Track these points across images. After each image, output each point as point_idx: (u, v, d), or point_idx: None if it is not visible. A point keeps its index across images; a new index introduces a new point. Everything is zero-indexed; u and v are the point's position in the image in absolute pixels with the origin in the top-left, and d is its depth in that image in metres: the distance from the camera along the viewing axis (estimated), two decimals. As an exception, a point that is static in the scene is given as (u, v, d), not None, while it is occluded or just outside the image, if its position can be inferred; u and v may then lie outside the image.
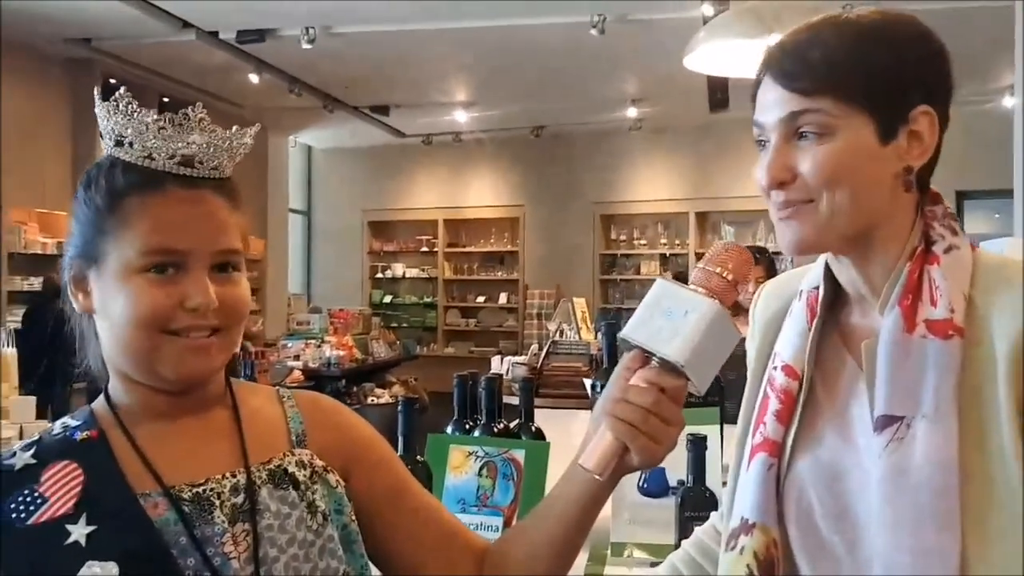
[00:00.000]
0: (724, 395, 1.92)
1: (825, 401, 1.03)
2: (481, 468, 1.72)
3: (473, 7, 6.78)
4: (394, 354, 9.11)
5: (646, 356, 0.96)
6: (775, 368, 1.06)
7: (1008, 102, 8.41)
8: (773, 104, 0.98)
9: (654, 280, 1.00)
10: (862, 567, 0.96)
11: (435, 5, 6.71)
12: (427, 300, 12.41)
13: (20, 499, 0.94)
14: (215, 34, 7.37)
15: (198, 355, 0.97)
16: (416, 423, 1.65)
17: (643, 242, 11.60)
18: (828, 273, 1.06)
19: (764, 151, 1.00)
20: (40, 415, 3.07)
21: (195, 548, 0.93)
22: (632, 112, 9.95)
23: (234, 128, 1.02)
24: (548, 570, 1.07)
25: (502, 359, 5.06)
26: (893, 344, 0.94)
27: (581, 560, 1.78)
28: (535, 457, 1.73)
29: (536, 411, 1.90)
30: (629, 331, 0.96)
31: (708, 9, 5.65)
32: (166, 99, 8.33)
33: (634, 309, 0.97)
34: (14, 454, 0.98)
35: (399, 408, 1.66)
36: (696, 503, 1.55)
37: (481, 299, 12.28)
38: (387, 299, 12.46)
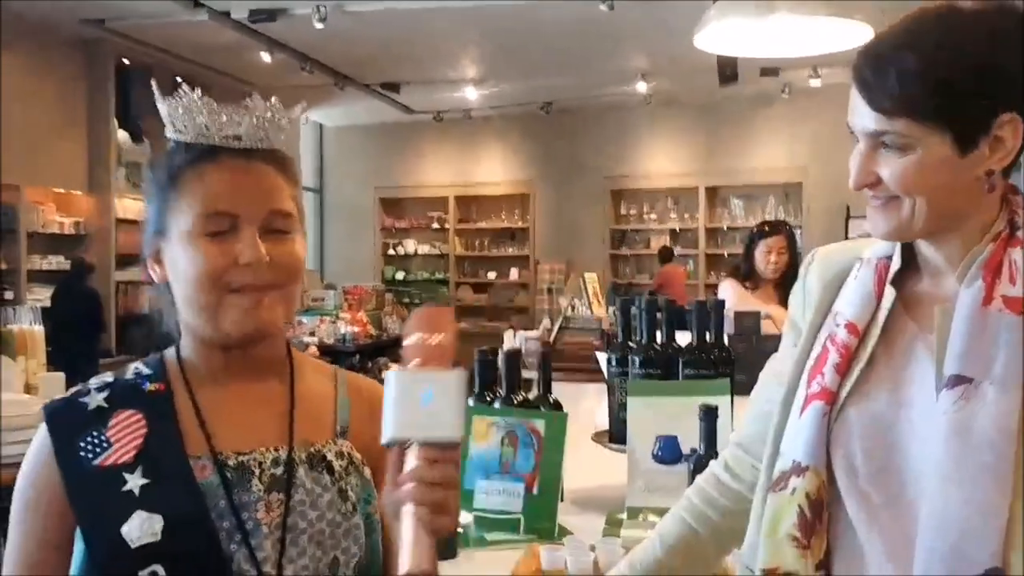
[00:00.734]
0: (735, 368, 2.00)
1: (882, 359, 1.09)
2: (503, 438, 1.81)
3: (483, -16, 6.81)
4: (408, 329, 9.14)
5: (403, 449, 0.91)
6: (837, 325, 1.13)
7: None
8: (859, 113, 1.05)
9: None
10: (903, 513, 1.03)
11: (446, -18, 6.73)
12: (439, 276, 12.47)
13: (89, 439, 1.03)
14: (227, 14, 7.40)
15: (257, 310, 1.05)
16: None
17: (653, 217, 11.59)
18: (905, 246, 1.12)
19: (856, 146, 1.07)
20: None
21: (231, 512, 1.02)
22: (641, 87, 9.91)
23: (277, 104, 1.11)
24: None
25: (515, 334, 5.11)
26: (971, 311, 1.02)
27: (598, 524, 1.87)
28: (554, 427, 1.82)
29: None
30: (397, 433, 0.90)
31: (718, -15, 5.66)
32: (179, 79, 8.36)
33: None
34: (89, 392, 1.07)
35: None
36: (707, 469, 1.63)
37: (492, 275, 12.34)
38: (399, 276, 12.51)
